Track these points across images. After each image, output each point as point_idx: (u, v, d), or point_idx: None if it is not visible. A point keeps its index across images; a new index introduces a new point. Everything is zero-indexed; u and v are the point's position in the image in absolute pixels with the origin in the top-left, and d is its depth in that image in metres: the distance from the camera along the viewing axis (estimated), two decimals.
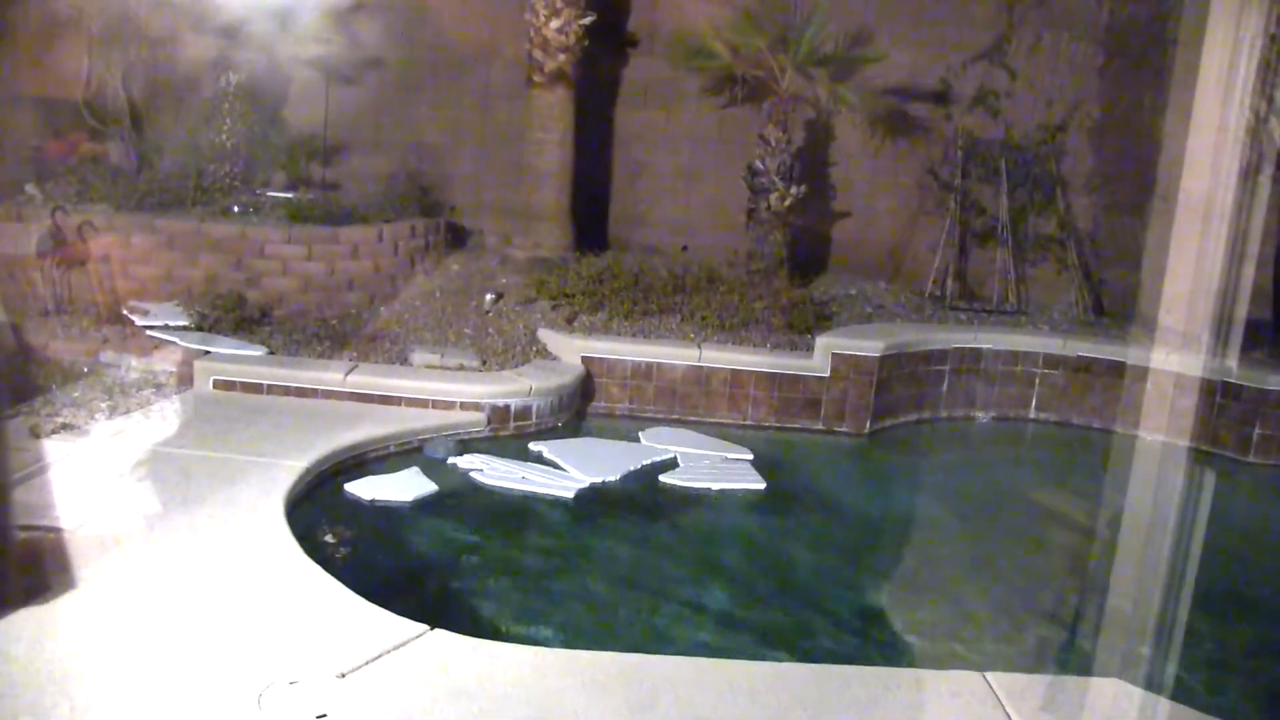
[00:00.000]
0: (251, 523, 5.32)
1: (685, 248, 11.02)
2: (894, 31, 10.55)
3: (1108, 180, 10.76)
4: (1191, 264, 8.65)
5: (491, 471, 6.89)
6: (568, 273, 9.44)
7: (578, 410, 8.34)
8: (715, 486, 7.14)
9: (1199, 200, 8.75)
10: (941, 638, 5.43)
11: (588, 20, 10.00)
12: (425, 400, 7.57)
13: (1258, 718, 5.08)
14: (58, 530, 4.99)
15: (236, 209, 9.71)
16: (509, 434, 7.67)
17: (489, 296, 9.31)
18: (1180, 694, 4.64)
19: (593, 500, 6.75)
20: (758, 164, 9.96)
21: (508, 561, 5.85)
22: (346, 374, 7.61)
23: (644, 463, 7.38)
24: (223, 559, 4.90)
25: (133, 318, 8.32)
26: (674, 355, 8.48)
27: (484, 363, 8.17)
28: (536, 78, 10.12)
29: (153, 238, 9.03)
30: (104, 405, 6.89)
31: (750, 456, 7.70)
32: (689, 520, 6.73)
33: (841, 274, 10.83)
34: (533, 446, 7.45)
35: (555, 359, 8.50)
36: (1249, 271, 8.51)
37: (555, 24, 9.87)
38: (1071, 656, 5.44)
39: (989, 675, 4.26)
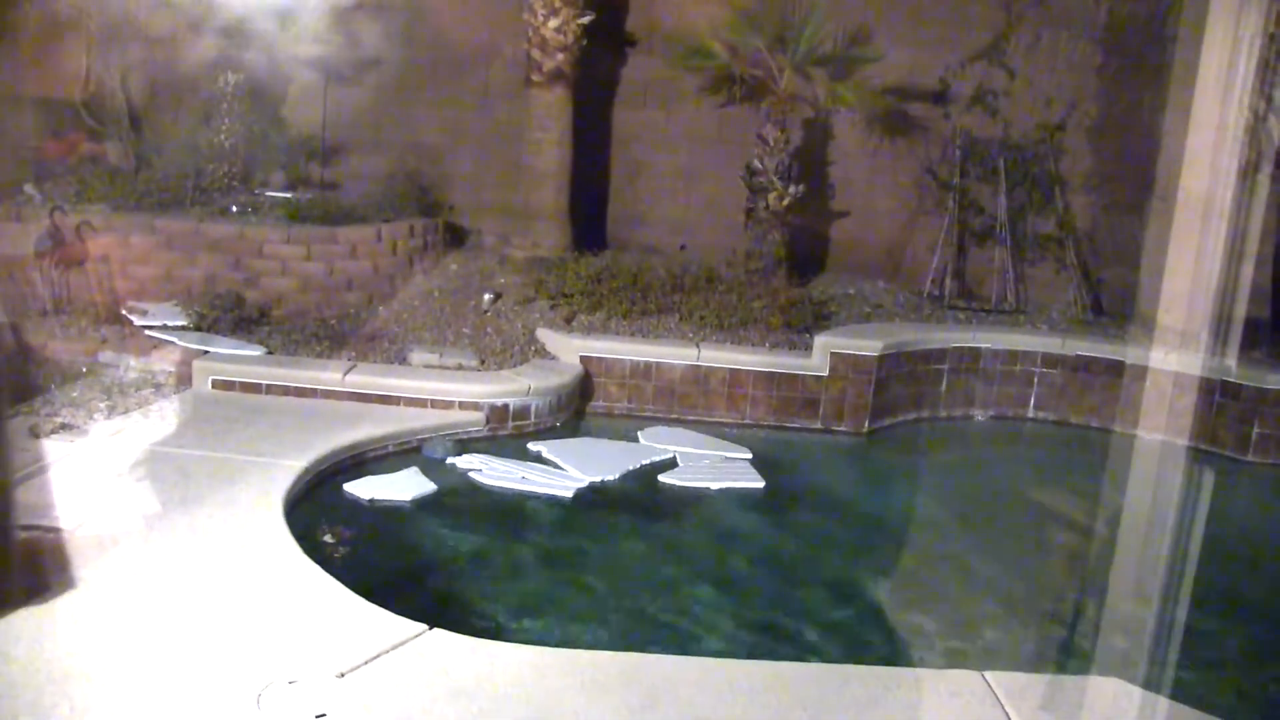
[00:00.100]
0: (251, 522, 5.32)
1: (684, 247, 11.01)
2: (892, 31, 10.55)
3: (1106, 179, 10.76)
4: (1190, 263, 8.65)
5: (490, 471, 6.89)
6: (566, 272, 9.44)
7: (576, 410, 8.34)
8: (714, 486, 7.14)
9: (1198, 199, 8.75)
10: (940, 636, 5.43)
11: (586, 20, 10.00)
12: (424, 400, 7.57)
13: (1257, 717, 5.07)
14: (57, 530, 4.99)
15: (235, 209, 9.71)
16: (508, 434, 7.67)
17: (487, 296, 9.31)
18: (1179, 693, 4.63)
19: (592, 500, 6.75)
20: (756, 163, 9.96)
21: (507, 561, 5.85)
22: (345, 374, 7.61)
23: (643, 462, 7.38)
24: (222, 559, 4.90)
25: (131, 318, 8.32)
26: (672, 355, 8.48)
27: (483, 362, 8.17)
28: (535, 77, 10.12)
29: (151, 238, 9.02)
30: (103, 405, 6.89)
31: (749, 456, 7.70)
32: (688, 519, 6.73)
33: (840, 273, 10.83)
34: (532, 446, 7.45)
35: (554, 358, 8.50)
36: (1248, 270, 8.51)
37: (554, 23, 9.86)
38: (1070, 655, 5.44)
39: (988, 674, 4.26)
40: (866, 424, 8.67)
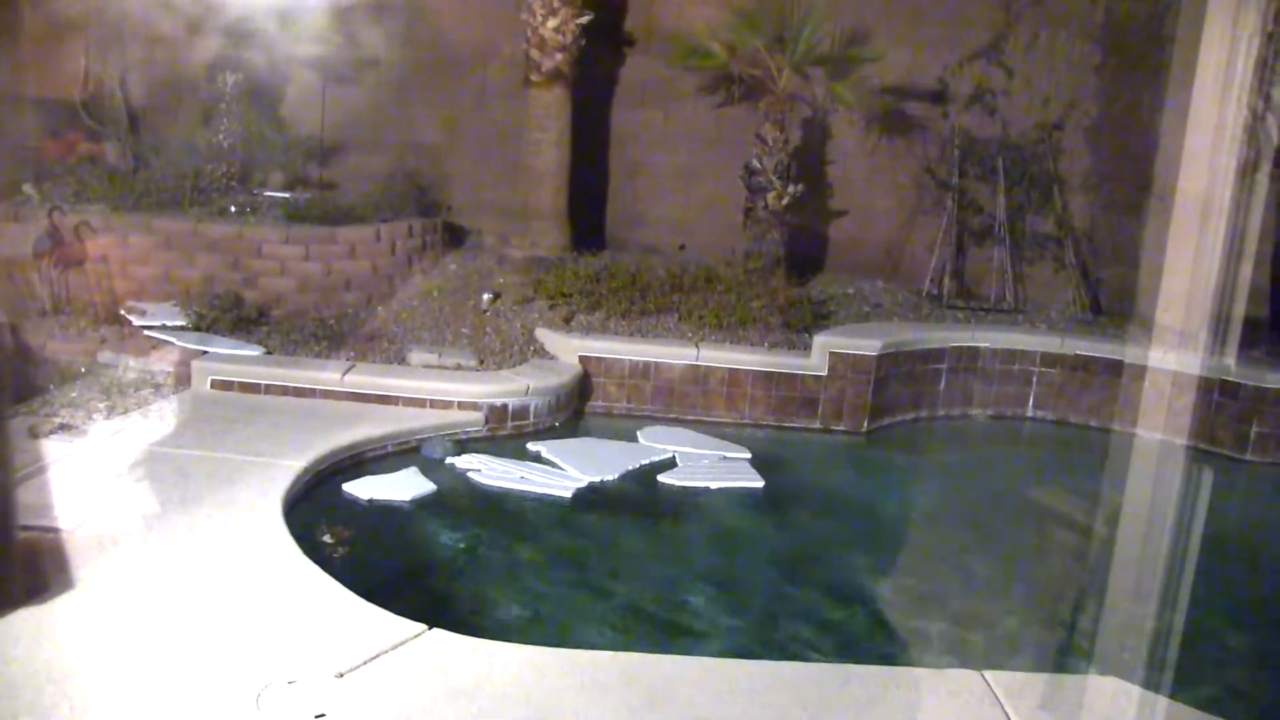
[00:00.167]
0: (250, 523, 5.32)
1: (683, 247, 11.02)
2: (891, 30, 10.56)
3: (1105, 179, 10.77)
4: (1189, 262, 8.64)
5: (489, 471, 6.89)
6: (565, 272, 9.44)
7: (575, 410, 8.34)
8: (713, 485, 7.14)
9: (1196, 198, 8.75)
10: (939, 635, 5.44)
11: (585, 20, 10.00)
12: (423, 400, 7.57)
13: (1256, 715, 5.08)
14: (56, 531, 4.98)
15: (234, 209, 9.70)
16: (507, 433, 7.67)
17: (486, 296, 9.30)
18: (1178, 692, 4.64)
19: (591, 500, 6.75)
20: (755, 163, 9.96)
21: (506, 561, 5.85)
22: (344, 374, 7.61)
23: (642, 462, 7.38)
24: (221, 559, 4.90)
25: (130, 318, 8.31)
26: (671, 354, 8.48)
27: (481, 362, 8.18)
28: (534, 77, 10.12)
29: (150, 238, 9.02)
30: (102, 405, 6.89)
31: (748, 455, 7.71)
32: (688, 519, 6.74)
33: (839, 273, 10.83)
34: (531, 446, 7.45)
35: (553, 358, 8.50)
36: (1246, 270, 8.50)
37: (552, 23, 9.87)
38: (1069, 654, 5.45)
39: (987, 674, 4.27)
40: (865, 423, 8.67)
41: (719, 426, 8.36)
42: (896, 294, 10.41)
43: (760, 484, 7.21)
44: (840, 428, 8.64)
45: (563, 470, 7.07)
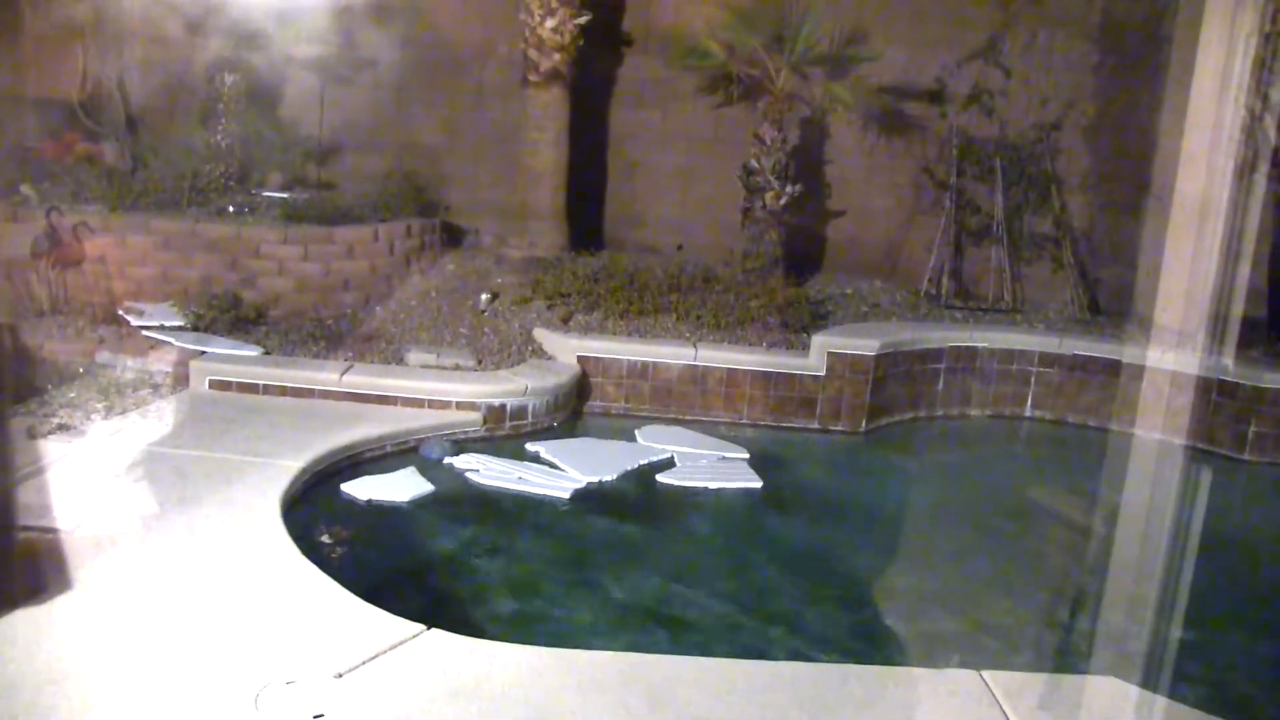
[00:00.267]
0: (248, 523, 5.32)
1: (681, 247, 11.01)
2: (889, 30, 10.56)
3: (1103, 179, 10.78)
4: (1187, 262, 8.65)
5: (488, 471, 6.89)
6: (563, 272, 9.44)
7: (573, 410, 8.34)
8: (712, 485, 7.15)
9: (1194, 198, 8.76)
10: (938, 635, 5.44)
11: (583, 20, 10.00)
12: (421, 400, 7.57)
13: (1254, 714, 5.08)
14: (54, 531, 4.98)
15: (232, 209, 9.69)
16: (505, 434, 7.67)
17: (484, 296, 9.30)
18: (1177, 691, 4.64)
19: (590, 500, 6.75)
20: (753, 163, 9.96)
21: (505, 562, 5.85)
22: (342, 374, 7.61)
23: (641, 462, 7.38)
24: (219, 559, 4.89)
25: (128, 318, 8.31)
26: (670, 354, 8.49)
27: (480, 362, 8.17)
28: (532, 77, 10.12)
29: (148, 238, 9.01)
30: (100, 406, 6.89)
31: (746, 455, 7.71)
32: (686, 519, 6.74)
33: (837, 273, 10.84)
34: (530, 446, 7.45)
35: (551, 358, 8.49)
36: (1244, 270, 8.51)
37: (550, 23, 9.86)
38: (1068, 654, 5.45)
39: (986, 674, 4.27)
40: (864, 423, 8.68)
41: (717, 426, 8.36)
42: (894, 294, 10.42)
43: (759, 484, 7.21)
44: (838, 428, 8.65)
45: (561, 470, 7.07)
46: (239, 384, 7.55)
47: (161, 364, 7.70)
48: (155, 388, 7.43)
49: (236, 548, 5.02)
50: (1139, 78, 10.28)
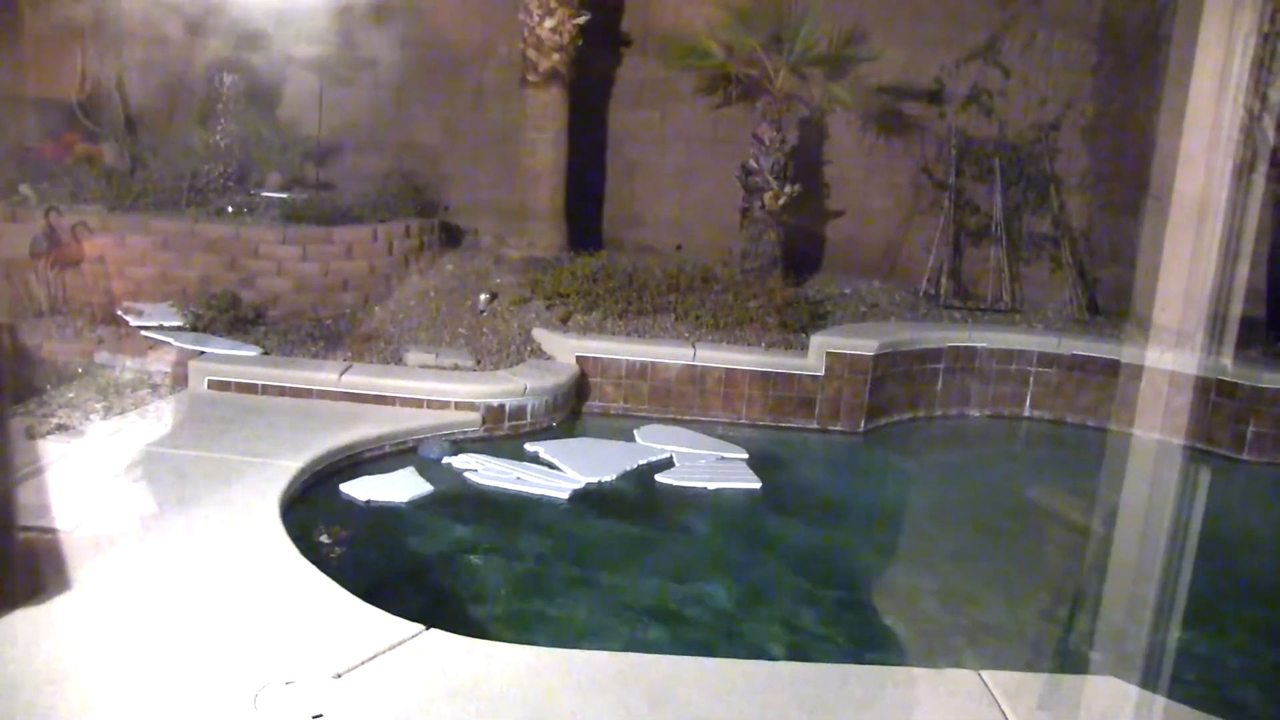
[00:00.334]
0: (247, 523, 5.32)
1: (679, 247, 11.02)
2: (888, 30, 10.55)
3: (1102, 178, 10.78)
4: (1186, 262, 8.65)
5: (486, 472, 6.89)
6: (562, 272, 9.44)
7: (572, 410, 8.34)
8: (711, 486, 7.15)
9: (1193, 198, 8.76)
10: (936, 635, 5.44)
11: (582, 20, 9.99)
12: (420, 400, 7.57)
13: (1253, 714, 5.08)
14: (54, 531, 4.98)
15: (231, 209, 9.69)
16: (504, 434, 7.67)
17: (483, 296, 9.30)
18: (1176, 691, 4.64)
19: (588, 500, 6.75)
20: (752, 163, 9.95)
21: (503, 562, 5.85)
22: (341, 374, 7.61)
23: (640, 462, 7.38)
24: (218, 559, 4.89)
25: (127, 318, 8.31)
26: (668, 355, 8.49)
27: (478, 362, 8.17)
28: (531, 77, 10.11)
29: (147, 238, 9.01)
30: (99, 406, 6.89)
31: (745, 455, 7.70)
32: (685, 519, 6.73)
33: (836, 273, 10.83)
34: (529, 446, 7.45)
35: (550, 359, 8.50)
36: (1243, 270, 8.51)
37: (549, 23, 9.86)
38: (1067, 654, 5.45)
39: (985, 674, 4.27)
40: (862, 423, 8.68)
41: (716, 426, 8.36)
42: (893, 294, 10.41)
43: (758, 485, 7.21)
44: (837, 428, 8.65)
45: (560, 471, 7.07)
46: (238, 384, 7.55)
47: (160, 364, 7.70)
48: (154, 388, 7.43)
49: (235, 548, 5.02)
50: (1138, 78, 10.29)
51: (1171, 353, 8.76)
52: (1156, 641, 5.23)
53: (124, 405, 6.99)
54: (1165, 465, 8.61)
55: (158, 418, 6.89)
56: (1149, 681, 4.61)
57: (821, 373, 8.55)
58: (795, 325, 8.94)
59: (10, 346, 7.45)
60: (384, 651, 4.13)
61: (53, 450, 6.09)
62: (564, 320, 8.84)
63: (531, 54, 10.00)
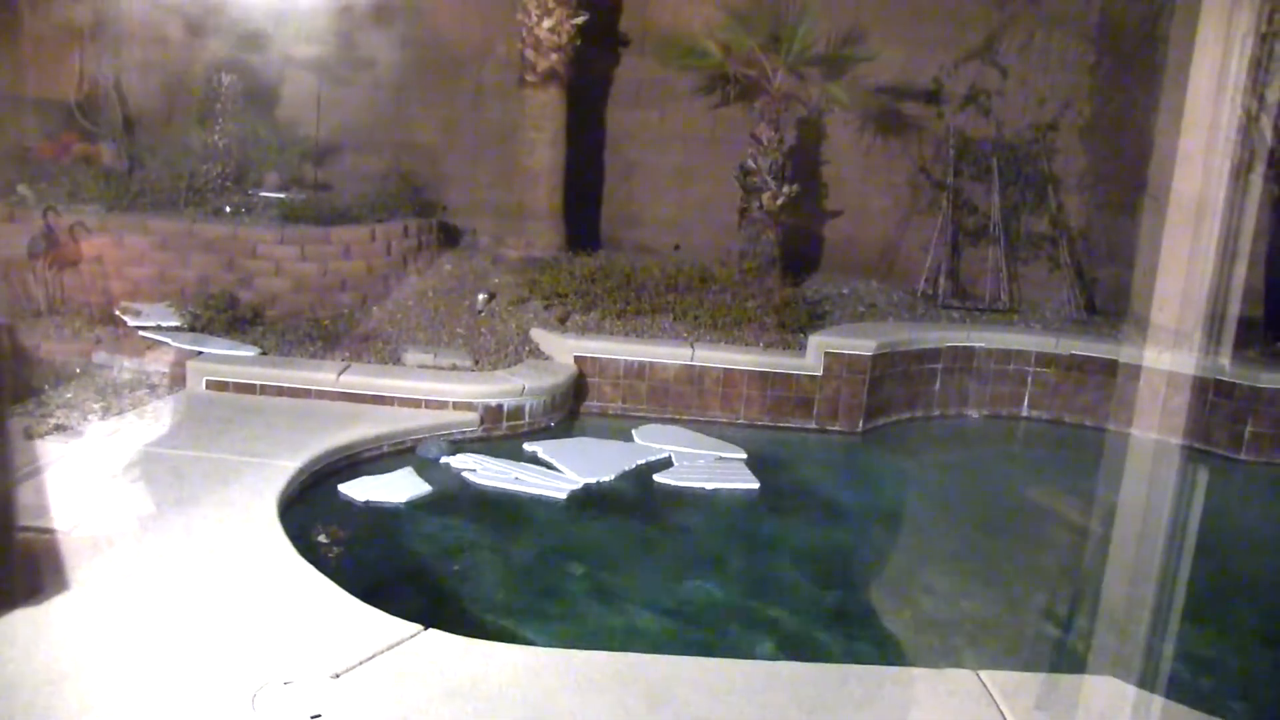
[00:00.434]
0: (245, 523, 5.31)
1: (678, 247, 11.03)
2: (886, 30, 10.56)
3: (1100, 178, 10.79)
4: (1183, 262, 8.66)
5: (485, 472, 6.89)
6: (560, 272, 9.44)
7: (571, 410, 8.34)
8: (709, 486, 7.14)
9: (1191, 199, 8.77)
10: (935, 635, 5.44)
11: (580, 20, 10.01)
12: (418, 400, 7.56)
13: (1252, 714, 5.09)
14: (52, 531, 4.98)
15: (229, 209, 9.69)
16: (502, 434, 7.67)
17: (482, 296, 9.30)
18: (1174, 691, 4.64)
19: (586, 501, 6.74)
20: (750, 163, 9.96)
21: (501, 562, 5.85)
22: (339, 374, 7.61)
23: (638, 462, 7.38)
24: (217, 560, 4.89)
25: (125, 318, 8.30)
26: (667, 354, 8.49)
27: (477, 362, 8.17)
28: (529, 77, 10.12)
29: (145, 238, 9.01)
30: (97, 406, 6.88)
31: (744, 456, 7.70)
32: (683, 520, 6.73)
33: (834, 273, 10.84)
34: (527, 446, 7.45)
35: (548, 358, 8.50)
36: (1241, 270, 8.53)
37: (548, 24, 9.87)
38: (1065, 654, 5.45)
39: (983, 673, 4.27)
40: (861, 423, 8.68)
41: (714, 426, 8.36)
42: (892, 294, 10.42)
43: (756, 485, 7.21)
44: (836, 428, 8.65)
45: (558, 471, 7.07)
46: (236, 384, 7.54)
47: (158, 364, 7.69)
48: (152, 388, 7.43)
49: (233, 548, 5.02)
50: (1135, 78, 10.30)
51: (1169, 353, 8.77)
52: (1154, 641, 5.23)
53: (122, 405, 6.99)
54: (1163, 465, 8.62)
55: (156, 418, 6.88)
56: (1147, 681, 4.61)
57: (820, 373, 8.55)
58: (793, 325, 8.95)
59: (8, 347, 7.44)
60: (382, 651, 4.13)
61: (51, 450, 6.08)
62: (562, 320, 8.85)
63: (530, 54, 10.01)
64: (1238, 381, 8.61)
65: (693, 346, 8.53)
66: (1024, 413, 9.46)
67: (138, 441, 6.38)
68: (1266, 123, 8.91)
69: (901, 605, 5.82)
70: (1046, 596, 6.12)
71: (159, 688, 3.80)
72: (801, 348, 8.67)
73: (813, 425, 8.62)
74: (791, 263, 10.30)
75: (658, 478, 7.15)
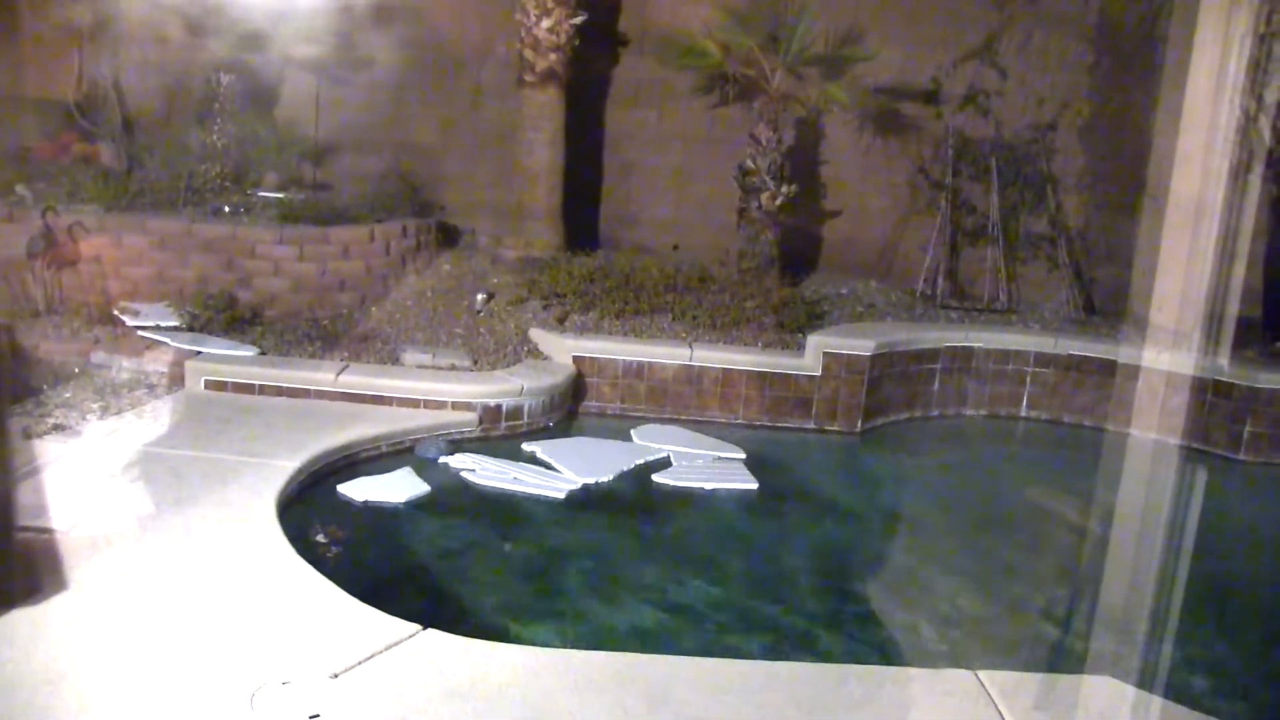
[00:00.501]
0: (244, 523, 5.31)
1: (676, 247, 11.02)
2: (885, 30, 10.56)
3: (1098, 179, 10.80)
4: (1182, 262, 8.67)
5: (483, 472, 6.89)
6: (559, 272, 9.44)
7: (569, 410, 8.34)
8: (708, 486, 7.14)
9: (1189, 199, 8.78)
10: (934, 636, 5.44)
11: (579, 20, 10.00)
12: (417, 400, 7.56)
13: (1251, 714, 5.09)
14: (51, 531, 4.98)
15: (228, 209, 9.69)
16: (501, 434, 7.66)
17: (480, 296, 9.30)
18: (1173, 691, 4.65)
19: (585, 501, 6.74)
20: (749, 163, 9.96)
21: (500, 562, 5.85)
22: (338, 374, 7.61)
23: (637, 462, 7.38)
24: (215, 560, 4.89)
25: (124, 318, 8.30)
26: (665, 354, 8.49)
27: (475, 362, 8.17)
28: (528, 77, 10.12)
29: (144, 238, 9.01)
30: (96, 406, 6.88)
31: (742, 456, 7.70)
32: (682, 520, 6.73)
33: (833, 273, 10.84)
34: (526, 446, 7.45)
35: (547, 359, 8.50)
36: (1239, 270, 8.54)
37: (546, 24, 9.87)
38: (1064, 654, 5.45)
39: (981, 674, 4.27)
40: (859, 423, 8.68)
41: (713, 426, 8.36)
42: (890, 294, 10.42)
43: (755, 485, 7.21)
44: (834, 428, 8.65)
45: (557, 471, 7.07)
46: (234, 384, 7.54)
47: (157, 364, 7.69)
48: (151, 388, 7.43)
49: (232, 548, 5.02)
50: (1134, 78, 10.30)
51: (1168, 353, 8.78)
52: (1153, 641, 5.24)
53: (121, 405, 6.99)
54: (1161, 465, 8.63)
55: (154, 418, 6.88)
56: (1145, 681, 4.62)
57: (818, 373, 8.56)
58: (792, 325, 8.95)
59: (7, 346, 7.45)
60: (381, 651, 4.13)
61: (50, 450, 6.08)
62: (561, 320, 8.85)
63: (528, 54, 10.01)
64: (1236, 382, 8.62)
65: (691, 346, 8.53)
66: (1023, 413, 9.46)
67: (136, 441, 6.38)
68: (1265, 123, 8.92)
69: (900, 605, 5.82)
70: (1045, 596, 6.12)
71: (158, 688, 3.80)
72: (800, 348, 8.68)
73: (811, 425, 8.63)
74: (790, 263, 10.31)
75: (656, 478, 7.15)
